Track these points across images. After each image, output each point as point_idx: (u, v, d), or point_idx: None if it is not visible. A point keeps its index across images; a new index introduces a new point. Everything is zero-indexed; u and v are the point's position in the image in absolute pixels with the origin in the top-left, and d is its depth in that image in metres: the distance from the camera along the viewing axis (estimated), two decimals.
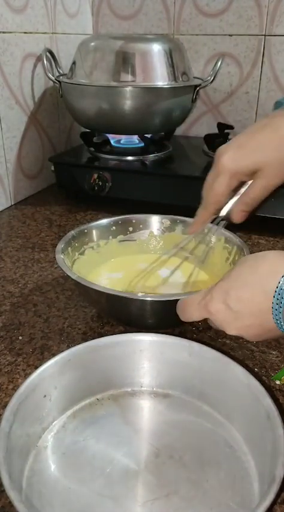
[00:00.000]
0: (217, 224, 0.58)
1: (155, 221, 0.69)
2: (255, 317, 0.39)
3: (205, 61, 1.13)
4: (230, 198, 0.55)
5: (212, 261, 0.64)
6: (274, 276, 0.37)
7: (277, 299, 0.37)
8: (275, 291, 0.37)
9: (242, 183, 0.54)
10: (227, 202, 0.56)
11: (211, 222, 0.58)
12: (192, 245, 0.63)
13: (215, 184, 0.53)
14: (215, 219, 0.58)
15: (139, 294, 0.53)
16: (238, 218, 0.56)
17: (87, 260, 0.64)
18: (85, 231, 0.66)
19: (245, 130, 0.54)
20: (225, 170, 0.52)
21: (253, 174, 0.52)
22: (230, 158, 0.52)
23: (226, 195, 0.54)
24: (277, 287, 0.37)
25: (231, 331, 0.41)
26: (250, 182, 0.54)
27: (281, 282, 0.37)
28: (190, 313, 0.44)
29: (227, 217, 0.56)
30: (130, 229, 0.69)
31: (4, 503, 0.37)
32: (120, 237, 0.68)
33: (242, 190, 0.55)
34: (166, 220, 0.69)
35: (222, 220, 0.57)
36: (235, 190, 0.55)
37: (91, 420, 0.44)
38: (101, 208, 0.93)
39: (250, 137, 0.52)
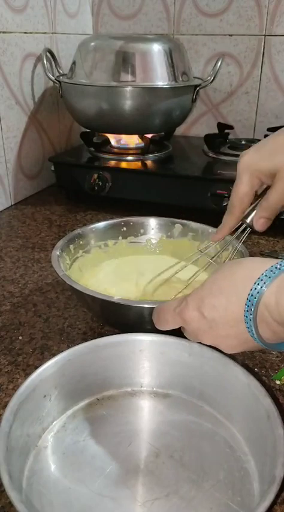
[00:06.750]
0: (241, 232, 0.54)
1: (165, 225, 0.68)
2: (230, 327, 0.37)
3: (205, 61, 1.13)
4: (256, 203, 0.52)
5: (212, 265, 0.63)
6: (249, 282, 0.35)
7: (247, 305, 0.35)
8: (247, 298, 0.35)
9: (267, 188, 0.51)
10: (252, 206, 0.52)
11: (236, 230, 0.54)
12: (214, 252, 0.59)
13: (237, 185, 0.51)
14: (239, 227, 0.54)
15: (127, 299, 0.50)
16: (258, 225, 0.52)
17: (92, 259, 0.64)
18: (94, 229, 0.65)
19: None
20: (244, 169, 0.51)
21: (273, 176, 0.49)
22: (249, 157, 0.50)
23: (248, 195, 0.51)
24: (248, 294, 0.35)
25: (206, 340, 0.40)
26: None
27: (253, 288, 0.35)
28: (165, 320, 0.42)
29: (251, 225, 0.53)
30: (141, 231, 0.68)
31: (4, 503, 0.37)
32: (131, 238, 0.68)
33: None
34: (179, 225, 0.68)
35: (246, 228, 0.53)
36: (260, 196, 0.52)
37: (91, 420, 0.44)
38: (101, 208, 0.93)
39: (272, 138, 0.51)
